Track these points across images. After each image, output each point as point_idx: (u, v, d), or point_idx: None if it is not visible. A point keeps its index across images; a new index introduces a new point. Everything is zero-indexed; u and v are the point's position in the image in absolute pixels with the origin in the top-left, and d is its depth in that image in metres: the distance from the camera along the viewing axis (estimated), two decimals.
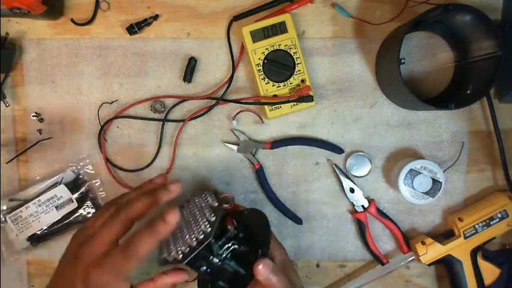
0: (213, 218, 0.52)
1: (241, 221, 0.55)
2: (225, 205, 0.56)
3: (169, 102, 0.67)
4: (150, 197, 0.50)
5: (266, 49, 0.64)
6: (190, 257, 0.48)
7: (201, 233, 0.50)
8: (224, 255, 0.52)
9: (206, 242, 0.48)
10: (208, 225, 0.51)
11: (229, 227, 0.53)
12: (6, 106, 0.66)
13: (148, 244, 0.46)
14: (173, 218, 0.47)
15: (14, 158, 0.67)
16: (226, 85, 0.66)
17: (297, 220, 0.68)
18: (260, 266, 0.48)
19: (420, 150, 0.68)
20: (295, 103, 0.64)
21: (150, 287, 0.50)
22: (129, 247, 0.45)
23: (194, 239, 0.50)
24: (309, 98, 0.64)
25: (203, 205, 0.56)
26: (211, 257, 0.51)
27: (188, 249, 0.49)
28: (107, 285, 0.45)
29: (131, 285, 0.48)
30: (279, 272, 0.50)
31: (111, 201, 0.52)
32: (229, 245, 0.52)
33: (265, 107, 0.65)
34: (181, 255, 0.49)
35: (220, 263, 0.51)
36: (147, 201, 0.49)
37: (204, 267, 0.51)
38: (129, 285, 0.47)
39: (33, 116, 0.67)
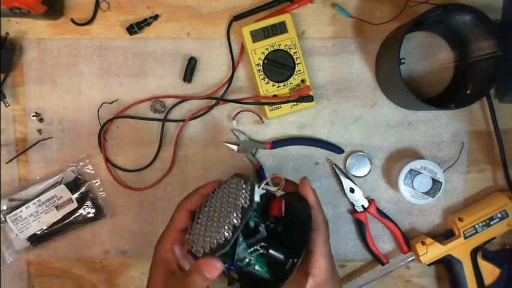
0: (237, 222, 0.44)
1: (289, 207, 0.49)
2: (272, 188, 0.50)
3: (169, 102, 0.67)
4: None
5: (266, 49, 0.64)
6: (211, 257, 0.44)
7: (222, 237, 0.44)
8: (248, 259, 0.46)
9: (222, 251, 0.43)
10: (230, 230, 0.44)
11: (269, 219, 0.47)
12: (6, 106, 0.66)
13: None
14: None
15: (14, 158, 0.67)
16: (226, 85, 0.66)
17: None
18: None
19: (420, 150, 0.68)
20: (295, 103, 0.64)
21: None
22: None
23: (215, 239, 0.45)
24: (309, 98, 0.64)
25: (230, 200, 0.48)
26: (234, 259, 0.45)
27: (208, 248, 0.45)
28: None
29: None
30: None
31: None
32: (257, 247, 0.46)
33: (265, 107, 0.65)
34: (201, 253, 0.45)
35: (243, 265, 0.46)
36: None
37: (228, 265, 0.46)
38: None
39: (33, 116, 0.67)
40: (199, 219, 0.49)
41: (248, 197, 0.46)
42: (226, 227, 0.44)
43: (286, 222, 0.48)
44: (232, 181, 0.50)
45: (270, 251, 0.46)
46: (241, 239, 0.46)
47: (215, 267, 0.44)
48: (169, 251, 0.49)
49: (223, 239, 0.44)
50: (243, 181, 0.49)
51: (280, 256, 0.47)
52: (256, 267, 0.47)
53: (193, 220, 0.50)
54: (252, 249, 0.46)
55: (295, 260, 0.45)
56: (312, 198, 0.51)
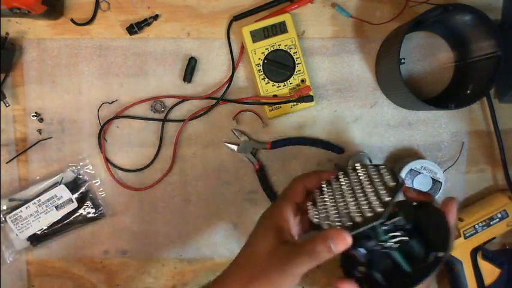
0: (388, 199, 0.43)
1: (408, 214, 0.47)
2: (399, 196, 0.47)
3: (169, 102, 0.67)
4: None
5: (266, 49, 0.64)
6: (353, 233, 0.42)
7: (370, 210, 0.43)
8: (388, 243, 0.45)
9: (375, 223, 0.42)
10: (380, 204, 0.43)
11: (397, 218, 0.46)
12: (6, 106, 0.66)
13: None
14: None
15: (14, 158, 0.67)
16: (226, 85, 0.66)
17: None
18: None
19: (420, 150, 0.68)
20: (295, 103, 0.64)
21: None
22: None
23: (360, 214, 0.43)
24: (309, 98, 0.64)
25: (377, 180, 0.47)
26: (374, 240, 0.45)
27: (351, 223, 0.43)
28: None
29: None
30: None
31: None
32: (397, 233, 0.45)
33: (265, 107, 0.65)
34: (341, 227, 0.44)
35: (382, 249, 0.45)
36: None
37: (362, 250, 0.45)
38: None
39: (33, 116, 0.67)
40: (326, 197, 0.49)
41: (392, 178, 0.46)
42: (375, 203, 0.43)
43: (415, 227, 0.47)
44: (368, 166, 0.50)
45: (412, 240, 0.45)
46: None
47: (344, 239, 0.42)
48: (285, 220, 0.48)
49: (374, 213, 0.42)
50: (381, 165, 0.49)
51: (421, 248, 0.45)
52: (396, 255, 0.45)
53: (307, 198, 0.51)
54: (392, 234, 0.45)
55: (441, 254, 0.43)
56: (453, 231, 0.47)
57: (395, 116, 0.68)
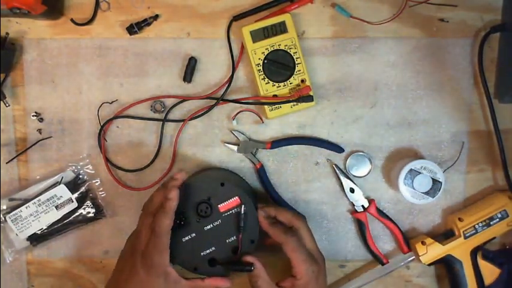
0: None
1: None
2: None
3: (169, 102, 0.67)
4: (163, 189, 0.57)
5: (266, 49, 0.64)
6: None
7: None
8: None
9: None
10: None
11: None
12: (6, 106, 0.66)
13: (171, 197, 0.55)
14: (180, 175, 0.57)
15: (14, 158, 0.67)
16: (226, 85, 0.66)
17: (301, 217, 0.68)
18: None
19: (420, 150, 0.68)
20: (295, 103, 0.64)
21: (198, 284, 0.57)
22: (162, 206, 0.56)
23: None
24: (309, 98, 0.64)
25: None
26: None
27: None
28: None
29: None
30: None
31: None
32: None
33: (265, 107, 0.65)
34: None
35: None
36: (161, 192, 0.57)
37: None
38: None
39: (33, 115, 0.67)
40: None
41: None
42: None
43: None
44: None
45: None
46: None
47: None
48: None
49: None
50: None
51: None
52: None
53: None
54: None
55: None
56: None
57: (395, 116, 0.68)
